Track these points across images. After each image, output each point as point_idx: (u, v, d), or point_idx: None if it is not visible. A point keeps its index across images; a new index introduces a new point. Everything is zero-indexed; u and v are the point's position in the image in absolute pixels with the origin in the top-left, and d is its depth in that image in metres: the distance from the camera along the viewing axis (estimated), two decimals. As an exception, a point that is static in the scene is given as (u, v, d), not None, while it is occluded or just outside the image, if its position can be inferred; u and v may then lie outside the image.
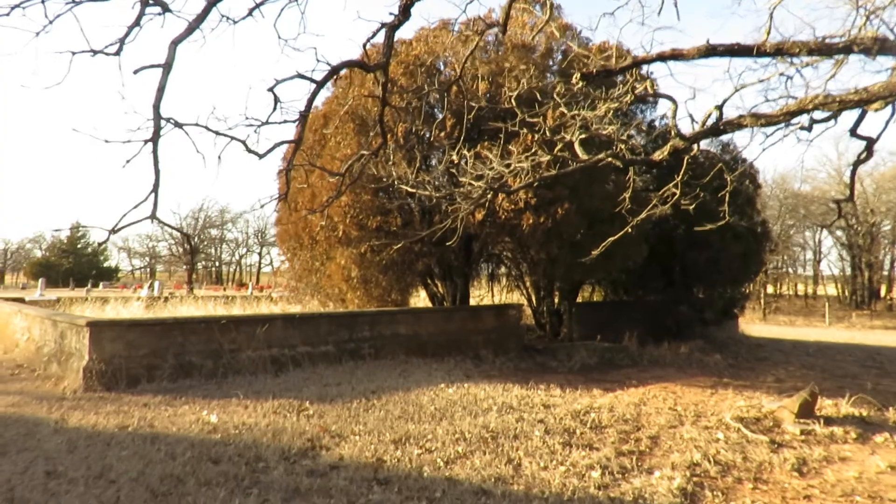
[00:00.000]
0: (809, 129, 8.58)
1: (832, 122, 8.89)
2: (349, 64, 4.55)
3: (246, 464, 5.51)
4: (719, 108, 6.46)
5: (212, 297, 25.86)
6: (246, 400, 7.78)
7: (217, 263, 79.32)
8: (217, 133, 4.37)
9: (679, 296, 15.00)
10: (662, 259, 14.28)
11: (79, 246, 77.31)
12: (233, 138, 4.46)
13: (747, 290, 16.96)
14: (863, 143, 9.27)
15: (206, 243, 57.04)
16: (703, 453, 6.48)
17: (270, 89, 4.52)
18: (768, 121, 6.05)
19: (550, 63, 12.18)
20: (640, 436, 7.10)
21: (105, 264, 77.34)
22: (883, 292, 53.41)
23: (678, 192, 8.71)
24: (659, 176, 15.15)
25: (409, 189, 7.63)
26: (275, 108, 4.69)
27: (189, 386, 8.60)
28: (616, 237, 8.96)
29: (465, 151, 7.35)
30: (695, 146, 7.57)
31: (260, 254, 76.29)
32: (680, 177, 8.08)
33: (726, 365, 13.16)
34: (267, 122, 4.65)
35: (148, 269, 78.84)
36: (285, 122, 4.77)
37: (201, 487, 4.96)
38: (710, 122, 6.63)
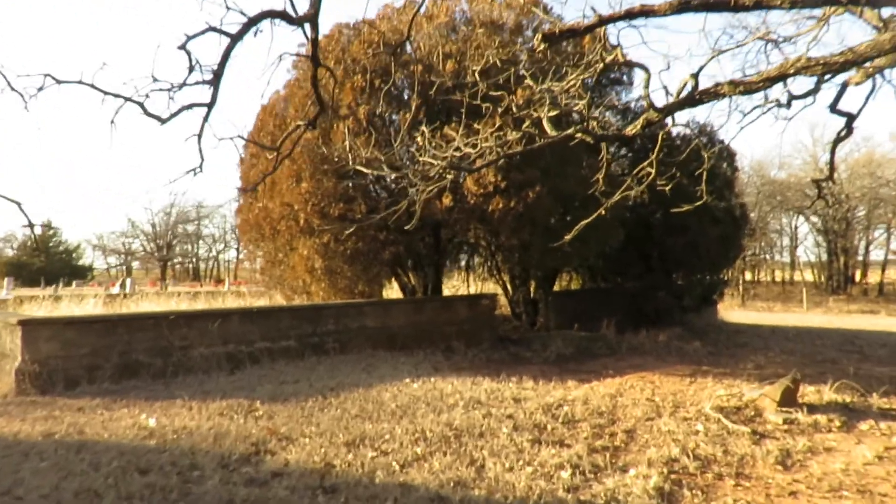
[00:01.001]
0: (788, 105, 8.17)
1: (811, 99, 8.50)
2: (270, 14, 3.99)
3: (178, 473, 4.95)
4: (695, 76, 5.99)
5: (183, 292, 25.09)
6: (192, 401, 7.19)
7: (194, 259, 77.95)
8: (105, 93, 3.78)
9: (657, 282, 14.64)
10: (640, 244, 13.88)
11: (51, 245, 75.58)
12: (127, 99, 3.87)
13: (726, 276, 16.66)
14: (842, 121, 8.89)
15: (177, 240, 55.82)
16: (682, 447, 6.04)
17: (182, 47, 3.93)
18: (747, 88, 5.59)
19: (520, 40, 11.65)
20: (615, 430, 6.65)
21: (80, 262, 75.72)
22: (858, 277, 53.96)
23: (653, 171, 8.24)
24: (634, 159, 14.76)
25: (363, 169, 7.05)
26: (191, 70, 4.10)
27: (133, 387, 7.98)
28: (590, 220, 8.48)
29: (424, 128, 6.79)
30: (669, 120, 7.11)
31: (238, 249, 75.05)
32: (655, 154, 7.62)
33: (706, 352, 12.82)
34: (183, 85, 4.07)
35: (124, 267, 77.38)
36: (201, 82, 4.18)
37: (121, 502, 4.39)
38: (685, 92, 6.16)
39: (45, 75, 3.63)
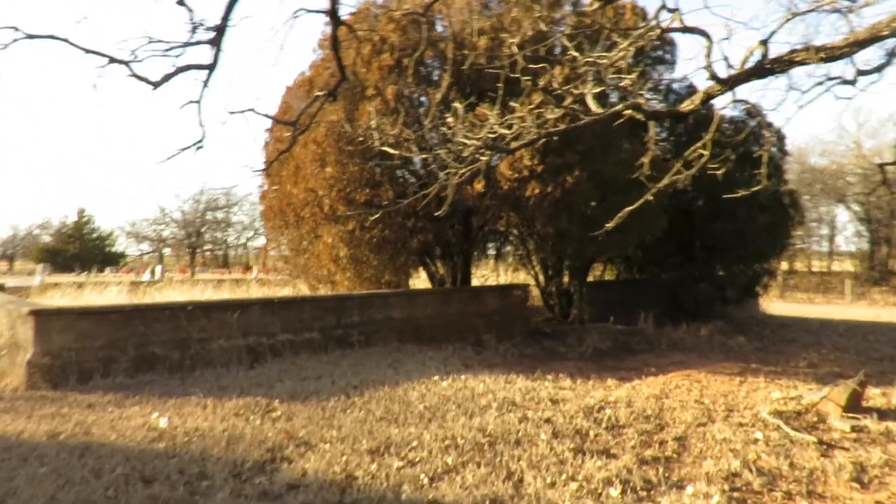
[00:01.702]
0: (854, 81, 7.36)
1: (876, 75, 7.68)
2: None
3: (185, 483, 4.49)
4: (764, 42, 5.28)
5: (208, 280, 24.95)
6: (207, 398, 6.75)
7: (224, 247, 78.49)
8: (86, 51, 3.27)
9: (699, 273, 13.84)
10: (681, 234, 13.09)
11: (84, 231, 77.05)
12: (112, 59, 3.36)
13: (773, 267, 15.75)
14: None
15: (207, 227, 56.17)
16: (742, 459, 5.41)
17: (181, 1, 3.40)
18: (829, 54, 4.88)
19: (558, 17, 10.91)
20: (665, 437, 6.03)
21: (112, 249, 77.04)
22: (899, 268, 51.73)
23: (706, 152, 7.51)
24: (677, 143, 13.93)
25: (390, 150, 6.49)
26: (193, 29, 3.59)
27: (149, 381, 7.60)
28: (634, 206, 7.78)
29: (457, 104, 6.19)
30: (728, 96, 6.37)
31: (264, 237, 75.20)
32: (710, 133, 6.88)
33: (752, 348, 12.04)
34: (186, 45, 3.55)
35: (157, 254, 78.41)
36: (202, 42, 3.65)
37: (120, 518, 3.95)
38: (751, 61, 5.46)
39: (14, 28, 3.14)
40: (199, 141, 4.70)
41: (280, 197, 11.45)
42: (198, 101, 4.04)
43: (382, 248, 10.59)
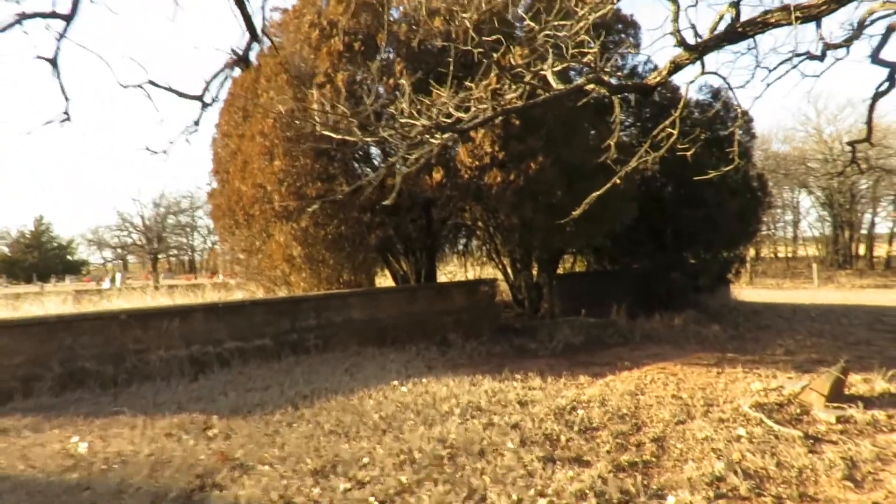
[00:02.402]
0: (822, 56, 6.98)
1: (844, 51, 7.32)
2: None
3: (92, 524, 3.83)
4: (735, 4, 4.82)
5: (173, 286, 23.92)
6: (138, 417, 6.05)
7: (190, 252, 76.61)
8: None
9: (671, 261, 13.48)
10: (651, 221, 12.72)
11: (43, 240, 74.66)
12: None
13: (743, 253, 15.52)
14: (884, 72, 7.72)
15: (170, 231, 54.52)
16: (726, 460, 4.95)
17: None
18: (806, 14, 4.42)
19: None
20: (642, 438, 5.55)
21: (73, 257, 74.85)
22: (862, 251, 52.78)
23: (675, 132, 7.07)
24: (644, 129, 13.54)
25: (331, 134, 5.86)
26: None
27: (76, 400, 6.85)
28: (602, 191, 7.33)
29: (403, 81, 5.60)
30: (698, 67, 5.90)
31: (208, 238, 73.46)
32: (679, 110, 6.43)
33: (727, 337, 11.70)
34: None
35: (121, 261, 76.29)
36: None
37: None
38: (722, 26, 4.99)
39: None
40: (65, 112, 4.03)
41: (228, 194, 10.73)
42: (53, 60, 3.38)
43: (339, 245, 9.95)
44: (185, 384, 7.49)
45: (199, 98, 4.78)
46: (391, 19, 10.10)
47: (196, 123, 4.67)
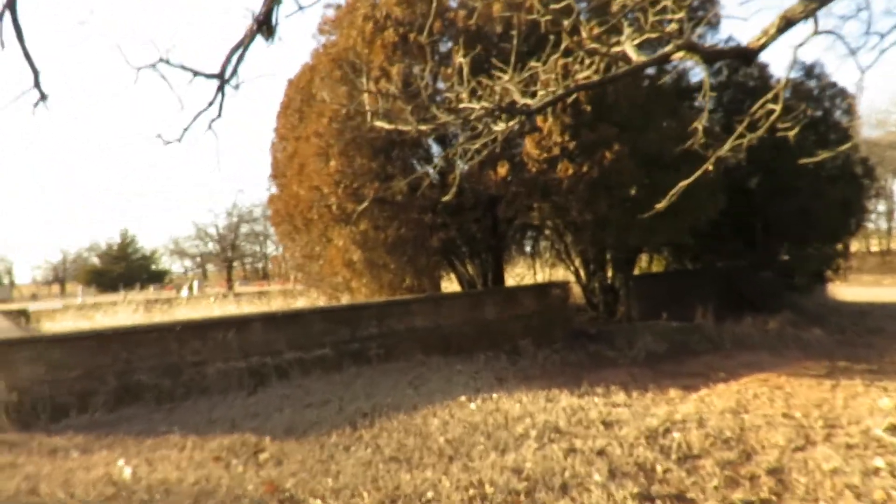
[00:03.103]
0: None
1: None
2: None
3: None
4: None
5: (246, 293, 24.31)
6: (188, 437, 5.66)
7: (264, 258, 78.87)
8: None
9: (760, 259, 12.22)
10: (737, 215, 11.52)
11: (129, 251, 78.87)
12: None
13: (845, 248, 13.96)
14: None
15: (242, 240, 56.18)
16: (868, 502, 4.03)
17: None
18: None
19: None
20: (755, 469, 4.66)
21: (157, 267, 78.67)
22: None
23: (778, 107, 6.10)
24: (727, 115, 12.36)
25: (384, 124, 5.29)
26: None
27: (131, 416, 6.57)
28: (691, 179, 6.44)
29: (461, 60, 4.96)
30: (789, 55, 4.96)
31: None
32: (784, 81, 5.49)
33: (834, 342, 10.42)
34: None
35: (201, 270, 79.48)
36: None
37: None
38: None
39: None
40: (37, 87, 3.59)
41: (286, 199, 10.42)
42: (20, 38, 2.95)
43: (400, 248, 9.42)
44: (242, 398, 7.11)
45: (219, 76, 4.30)
46: (448, 6, 9.50)
47: (211, 105, 4.19)
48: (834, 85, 12.63)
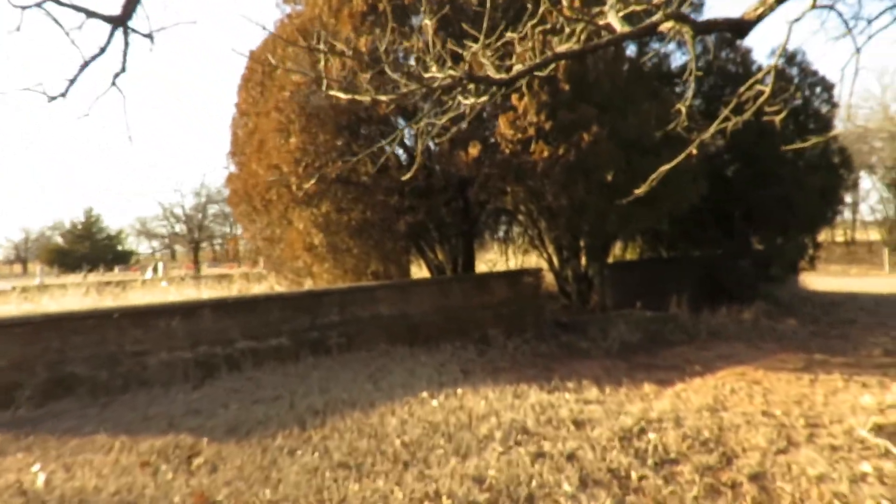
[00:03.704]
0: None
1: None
2: None
3: None
4: None
5: (212, 276, 23.43)
6: (118, 437, 5.11)
7: (233, 240, 77.18)
8: None
9: (738, 248, 11.97)
10: (716, 203, 11.22)
11: (94, 230, 76.74)
12: None
13: (818, 238, 13.80)
14: None
15: (211, 221, 54.77)
16: (860, 513, 3.69)
17: None
18: None
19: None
20: (737, 476, 4.30)
21: (123, 247, 76.72)
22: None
23: (768, 89, 5.70)
24: (708, 102, 12.02)
25: (340, 94, 4.75)
26: None
27: (60, 412, 5.98)
28: (674, 163, 6.03)
29: (427, 22, 4.45)
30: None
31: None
32: (780, 50, 5.07)
33: (808, 333, 10.21)
34: None
35: (169, 251, 77.69)
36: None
37: None
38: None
39: None
40: None
41: (245, 178, 9.78)
42: None
43: (364, 232, 8.89)
44: (186, 392, 6.55)
45: (119, 19, 3.70)
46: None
47: (104, 51, 3.60)
48: (815, 73, 12.36)
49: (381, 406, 5.76)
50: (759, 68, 11.95)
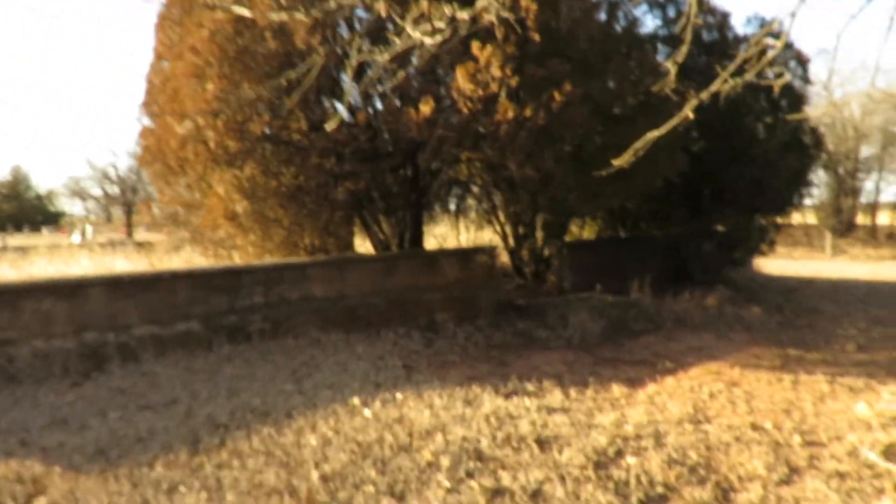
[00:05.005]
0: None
1: None
2: None
3: None
4: None
5: (144, 242, 21.65)
6: (-59, 463, 3.85)
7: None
8: None
9: (705, 229, 11.30)
10: (686, 182, 10.42)
11: (22, 189, 72.13)
12: None
13: (781, 220, 13.29)
14: None
15: (146, 182, 51.47)
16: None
17: None
18: None
19: None
20: (738, 518, 3.43)
21: (54, 208, 72.44)
22: (860, 220, 51.00)
23: (779, 44, 4.83)
24: (684, 71, 11.13)
25: (244, 11, 3.54)
26: None
27: None
28: (662, 130, 5.17)
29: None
30: None
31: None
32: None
33: (775, 323, 9.61)
34: None
35: (105, 214, 73.63)
36: None
37: None
38: None
39: None
40: None
41: (159, 133, 8.33)
42: None
43: (297, 200, 7.66)
44: (60, 392, 5.28)
45: None
46: None
47: None
48: (790, 46, 11.65)
49: (300, 417, 4.65)
50: (737, 36, 11.15)
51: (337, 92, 7.87)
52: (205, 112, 7.00)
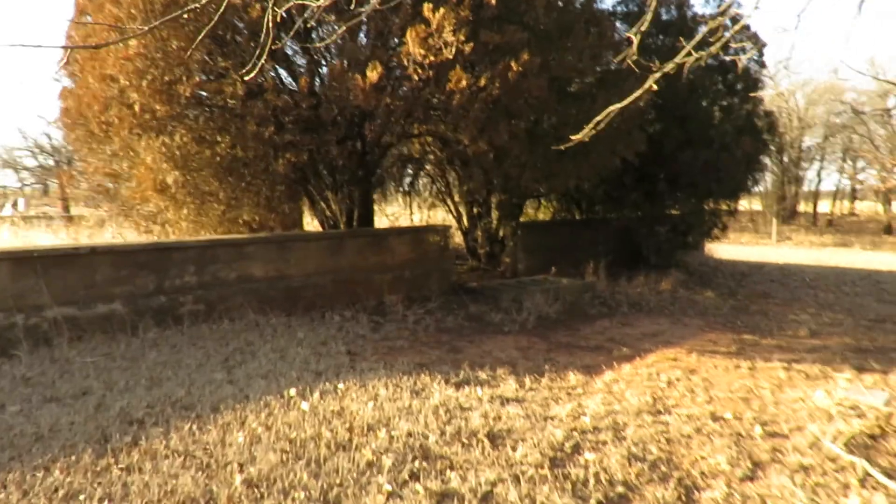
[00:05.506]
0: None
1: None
2: None
3: None
4: None
5: (77, 217, 20.39)
6: None
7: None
8: None
9: (660, 213, 11.19)
10: (641, 164, 10.24)
11: (-55, 158, 67.58)
12: None
13: (733, 205, 13.33)
14: None
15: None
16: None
17: None
18: None
19: None
20: (705, 521, 3.17)
21: (-18, 179, 68.16)
22: (802, 207, 52.96)
23: (733, 29, 4.75)
24: (643, 49, 10.90)
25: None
26: None
27: None
28: (625, 102, 4.86)
29: None
30: None
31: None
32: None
33: (729, 308, 9.56)
34: None
35: (42, 186, 69.78)
36: None
37: None
38: None
39: None
40: None
41: (79, 94, 7.56)
42: None
43: (235, 171, 7.06)
44: (-50, 383, 4.63)
45: None
46: None
47: None
48: (747, 28, 11.56)
49: (227, 411, 4.17)
50: (695, 15, 10.97)
51: (279, 55, 7.25)
52: (128, 72, 6.31)
